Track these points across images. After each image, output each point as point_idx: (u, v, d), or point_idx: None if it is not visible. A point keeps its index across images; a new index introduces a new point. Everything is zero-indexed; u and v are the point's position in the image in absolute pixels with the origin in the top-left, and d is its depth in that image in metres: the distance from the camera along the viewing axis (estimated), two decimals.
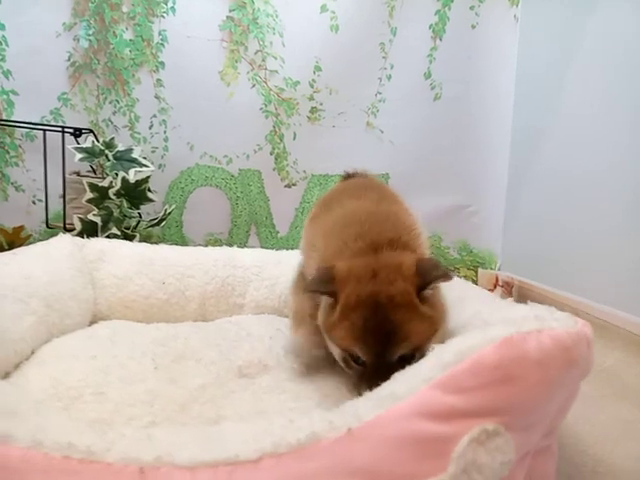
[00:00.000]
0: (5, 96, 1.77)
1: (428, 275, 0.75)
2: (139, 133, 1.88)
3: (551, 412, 0.63)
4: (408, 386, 0.61)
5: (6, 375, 0.81)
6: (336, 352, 0.81)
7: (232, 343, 0.94)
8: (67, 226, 1.62)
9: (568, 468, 0.83)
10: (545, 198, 1.73)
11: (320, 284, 0.79)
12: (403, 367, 0.68)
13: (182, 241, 1.93)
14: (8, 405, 0.56)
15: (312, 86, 1.88)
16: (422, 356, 0.69)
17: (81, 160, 1.54)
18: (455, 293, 1.00)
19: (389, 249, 0.81)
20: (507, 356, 0.58)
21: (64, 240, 1.24)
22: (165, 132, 1.89)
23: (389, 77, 1.90)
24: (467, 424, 0.57)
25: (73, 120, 1.81)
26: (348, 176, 1.32)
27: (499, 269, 1.97)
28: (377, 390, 0.64)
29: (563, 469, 0.73)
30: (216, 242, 1.98)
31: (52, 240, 1.23)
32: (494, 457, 0.56)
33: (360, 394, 0.68)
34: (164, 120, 1.88)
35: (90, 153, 1.54)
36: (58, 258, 1.13)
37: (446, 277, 0.75)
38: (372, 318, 0.72)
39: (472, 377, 0.58)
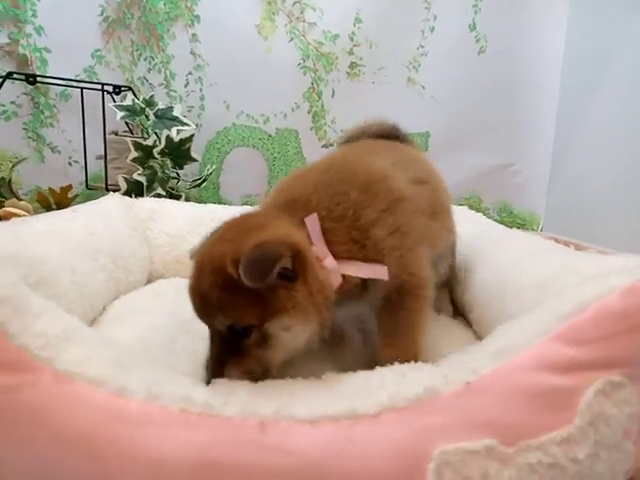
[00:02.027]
0: (38, 54, 1.71)
1: (243, 262, 0.57)
2: (175, 91, 1.82)
3: None
4: (524, 339, 0.58)
5: None
6: None
7: None
8: (109, 187, 1.59)
9: None
10: (593, 156, 1.67)
11: None
12: (239, 343, 0.60)
13: (219, 203, 1.90)
14: (116, 358, 0.54)
15: (352, 39, 1.81)
16: (265, 338, 0.60)
17: (122, 118, 1.50)
18: (530, 245, 0.97)
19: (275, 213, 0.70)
20: (633, 305, 0.55)
21: (115, 199, 1.21)
22: (201, 90, 1.83)
23: (432, 29, 1.82)
24: (590, 376, 0.54)
25: (107, 78, 1.76)
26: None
27: (541, 230, 1.93)
28: (489, 343, 0.62)
29: None
30: (253, 204, 1.94)
31: (103, 199, 1.20)
32: (621, 409, 0.54)
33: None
34: (200, 77, 1.82)
35: (131, 111, 1.50)
36: (114, 216, 1.11)
37: (246, 277, 0.57)
38: (195, 278, 0.64)
39: (595, 327, 0.55)
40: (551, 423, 0.53)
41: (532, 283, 0.79)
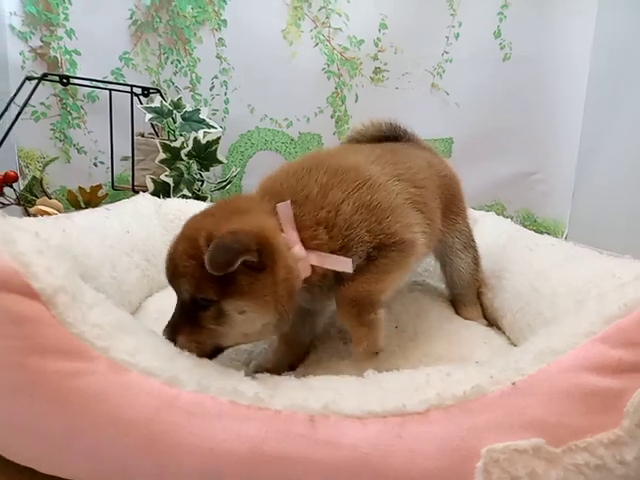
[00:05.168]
0: (68, 56, 1.75)
1: (210, 248, 0.60)
2: (200, 95, 1.85)
3: None
4: (567, 340, 0.58)
5: None
6: None
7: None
8: (135, 187, 1.60)
9: None
10: (619, 164, 1.66)
11: None
12: (197, 314, 0.63)
13: None
14: (167, 351, 0.54)
15: (377, 45, 1.82)
16: (220, 315, 0.62)
17: (150, 120, 1.52)
18: (563, 251, 0.96)
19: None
20: None
21: (146, 199, 1.23)
22: (226, 94, 1.85)
23: (457, 35, 1.82)
24: (638, 377, 0.54)
25: (134, 80, 1.78)
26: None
27: (565, 238, 1.91)
28: (533, 344, 0.61)
29: None
30: None
31: (134, 198, 1.22)
32: None
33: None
34: (225, 81, 1.84)
35: (159, 113, 1.52)
36: (146, 215, 1.12)
37: (209, 264, 0.59)
38: (174, 243, 0.67)
39: None
40: (598, 424, 0.53)
41: (568, 289, 0.78)
